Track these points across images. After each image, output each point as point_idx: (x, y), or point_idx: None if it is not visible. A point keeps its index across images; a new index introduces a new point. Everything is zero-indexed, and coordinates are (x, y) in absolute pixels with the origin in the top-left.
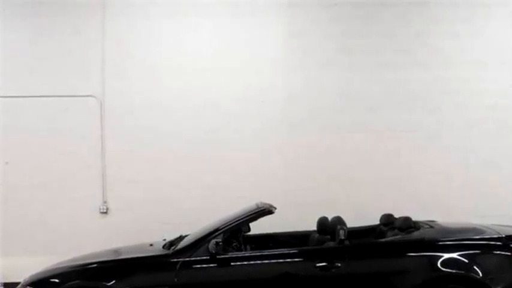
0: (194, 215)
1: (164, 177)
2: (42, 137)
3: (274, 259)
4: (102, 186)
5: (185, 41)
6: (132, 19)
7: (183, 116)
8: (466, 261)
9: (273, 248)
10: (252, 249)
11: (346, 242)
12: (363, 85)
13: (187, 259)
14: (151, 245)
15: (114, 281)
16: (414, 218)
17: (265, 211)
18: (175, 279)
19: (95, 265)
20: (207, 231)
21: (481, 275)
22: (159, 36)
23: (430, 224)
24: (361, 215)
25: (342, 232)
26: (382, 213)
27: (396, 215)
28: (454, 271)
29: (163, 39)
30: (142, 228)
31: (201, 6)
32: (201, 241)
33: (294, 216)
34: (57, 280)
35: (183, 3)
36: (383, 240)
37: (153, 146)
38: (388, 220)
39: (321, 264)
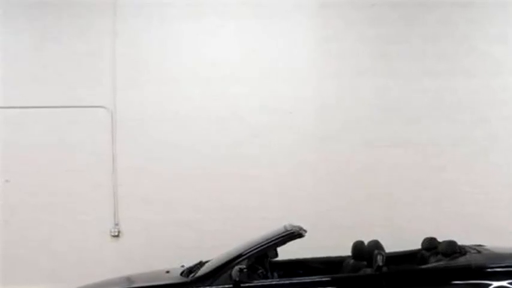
0: (215, 238)
1: (182, 196)
2: (47, 152)
3: (304, 287)
4: (114, 206)
5: (205, 45)
6: (146, 21)
7: (203, 129)
8: None
9: (303, 276)
10: (279, 276)
11: (384, 269)
12: (403, 94)
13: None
14: (167, 272)
15: None
16: (460, 242)
17: (294, 234)
18: None
19: None
20: (229, 257)
21: None
22: (176, 40)
23: (478, 249)
24: (400, 238)
25: (379, 258)
26: (424, 237)
27: (440, 239)
28: None
29: (181, 44)
30: (157, 253)
31: (223, 6)
32: (223, 268)
33: (327, 240)
34: None
35: (203, 3)
36: (425, 266)
37: (169, 162)
38: (430, 244)
39: None
